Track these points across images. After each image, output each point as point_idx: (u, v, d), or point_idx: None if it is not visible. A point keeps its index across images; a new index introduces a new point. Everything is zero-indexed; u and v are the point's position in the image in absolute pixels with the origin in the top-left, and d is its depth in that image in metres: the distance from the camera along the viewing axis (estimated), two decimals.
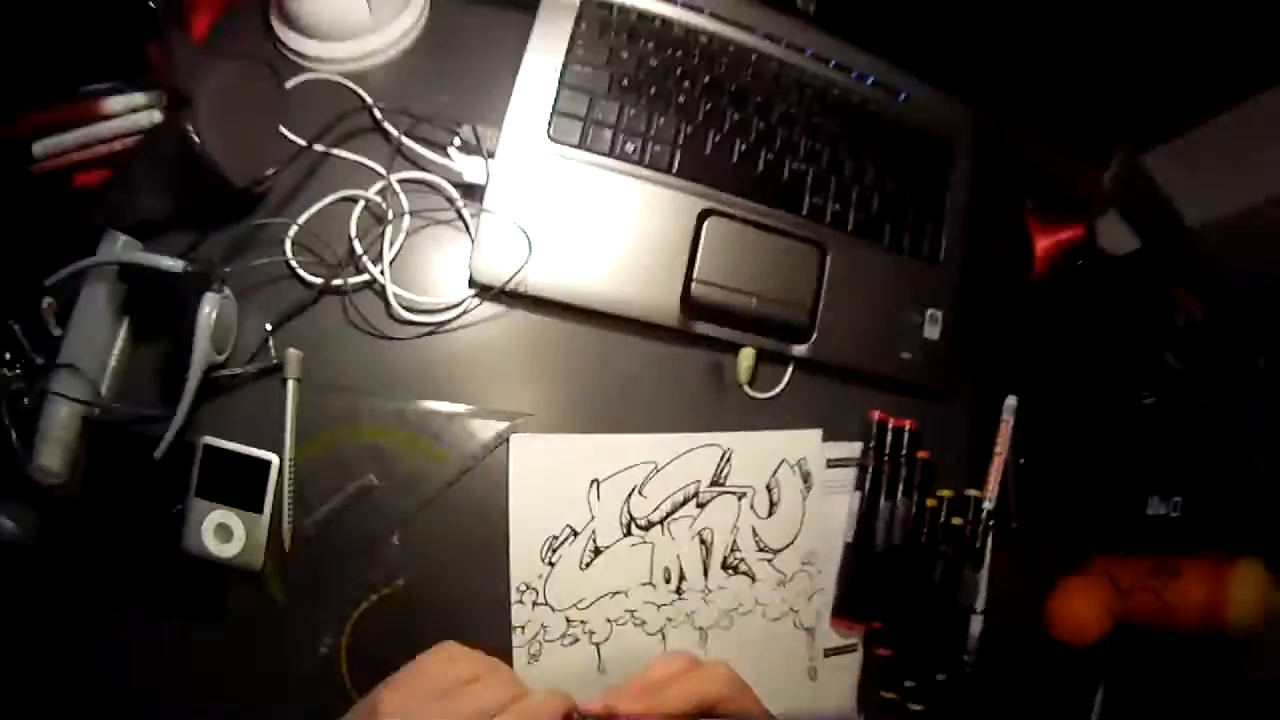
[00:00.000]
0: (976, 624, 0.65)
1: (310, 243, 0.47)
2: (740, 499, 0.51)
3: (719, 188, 0.51)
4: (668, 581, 0.49)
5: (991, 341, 0.68)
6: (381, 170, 0.48)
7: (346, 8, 0.48)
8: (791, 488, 0.53)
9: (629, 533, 0.48)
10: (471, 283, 0.48)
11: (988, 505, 0.64)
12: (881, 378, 0.57)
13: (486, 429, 0.47)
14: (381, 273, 0.47)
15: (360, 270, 0.47)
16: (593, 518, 0.47)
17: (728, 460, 0.51)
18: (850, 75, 0.57)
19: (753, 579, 0.51)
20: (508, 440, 0.47)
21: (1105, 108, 0.71)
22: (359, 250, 0.47)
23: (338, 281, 0.47)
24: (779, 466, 0.52)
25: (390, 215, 0.47)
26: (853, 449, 0.57)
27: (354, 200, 0.48)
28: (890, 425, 0.59)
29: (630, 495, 0.48)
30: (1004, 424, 0.66)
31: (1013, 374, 0.68)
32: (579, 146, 0.49)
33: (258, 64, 0.45)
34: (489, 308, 0.48)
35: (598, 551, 0.48)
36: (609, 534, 0.48)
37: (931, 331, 0.59)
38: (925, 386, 0.60)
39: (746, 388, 0.53)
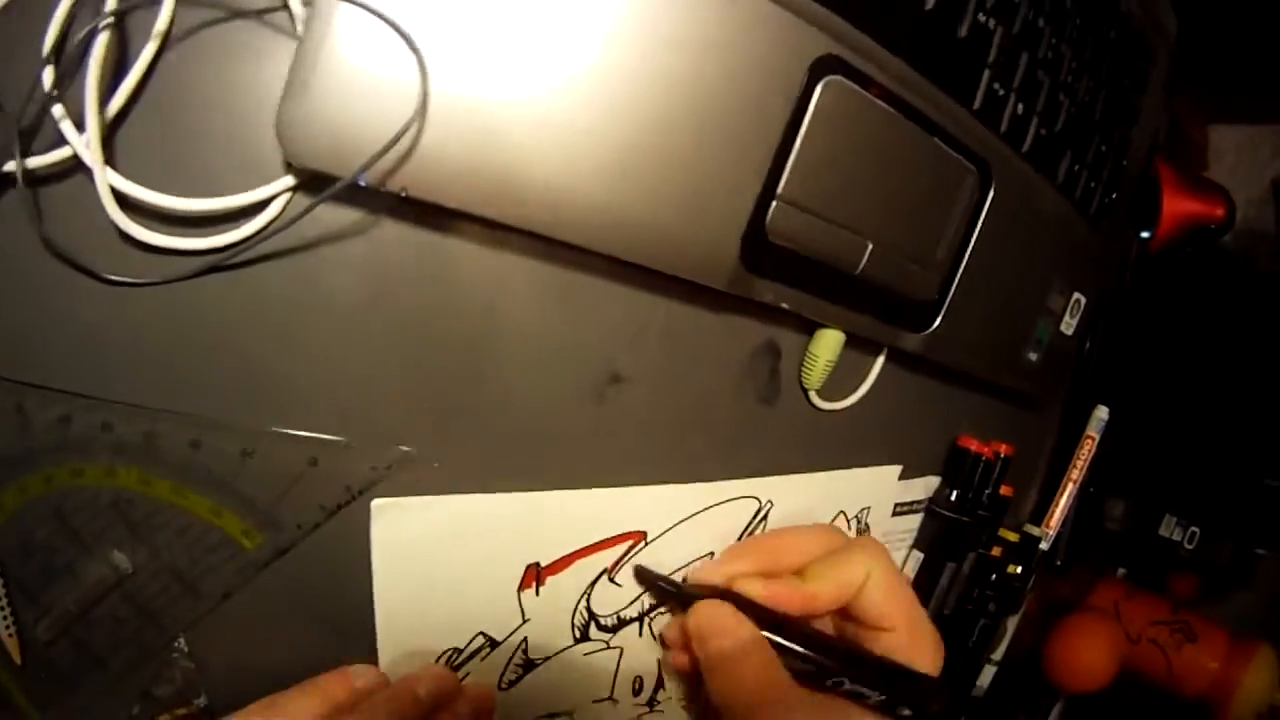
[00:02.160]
0: (988, 674, 0.53)
1: None
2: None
3: (855, 21, 0.26)
4: (637, 694, 0.30)
5: (1098, 336, 0.50)
6: None
7: None
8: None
9: (584, 637, 0.28)
10: (289, 165, 0.20)
11: (1044, 546, 0.49)
12: (994, 385, 0.38)
13: (323, 478, 0.22)
14: (91, 144, 0.19)
15: (56, 138, 0.19)
16: (525, 621, 0.26)
17: (762, 518, 0.30)
18: None
19: None
20: (360, 500, 0.23)
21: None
22: (47, 87, 0.19)
23: (9, 165, 0.19)
24: (834, 521, 0.33)
25: (111, 5, 0.19)
26: (926, 486, 0.38)
27: None
28: (981, 457, 0.40)
29: (594, 585, 0.27)
30: (1087, 441, 0.50)
31: (1104, 376, 0.51)
32: None
33: None
34: (328, 216, 0.21)
35: (529, 666, 0.27)
36: (552, 641, 0.27)
37: (1069, 324, 0.40)
38: (1034, 396, 0.41)
39: (813, 394, 0.31)
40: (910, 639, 0.27)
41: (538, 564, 0.25)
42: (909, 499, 0.37)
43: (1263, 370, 0.52)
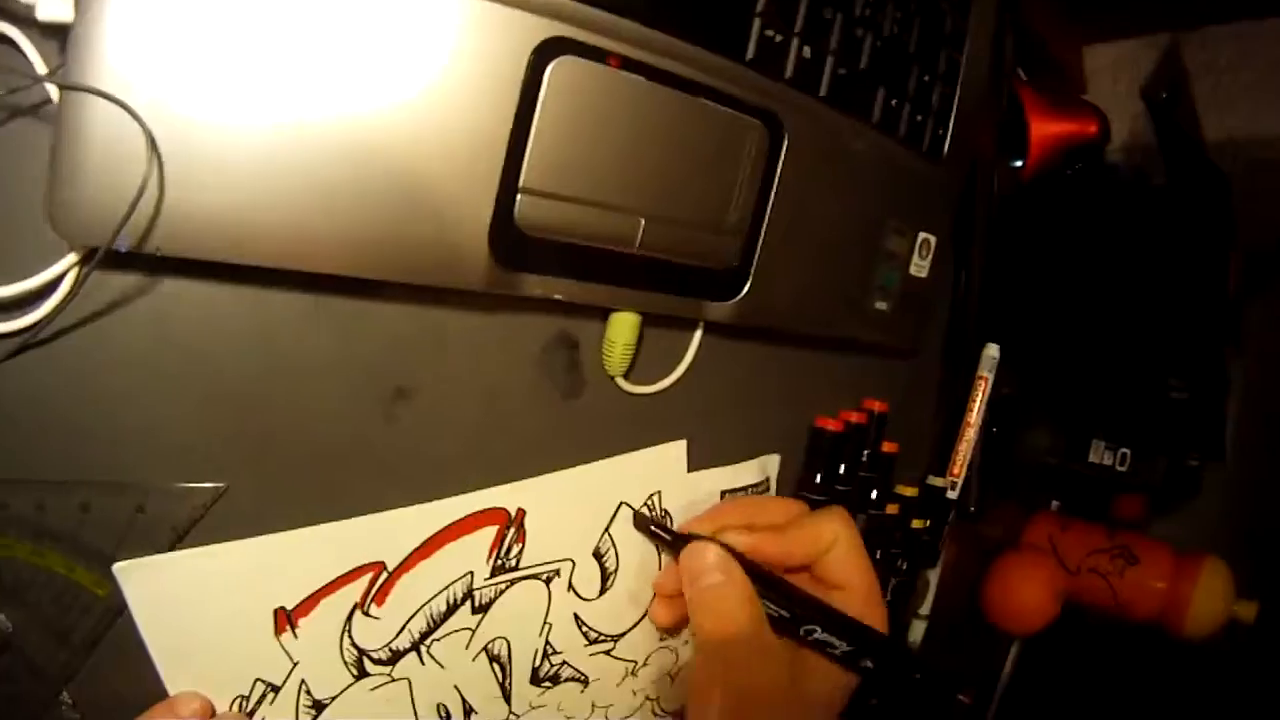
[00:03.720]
0: (919, 629, 0.52)
1: None
2: (550, 580, 0.31)
3: None
4: None
5: (970, 272, 0.49)
6: None
7: None
8: (636, 541, 0.32)
9: (363, 673, 0.27)
10: (72, 242, 0.20)
11: (952, 495, 0.48)
12: (841, 340, 0.37)
13: (151, 523, 0.23)
14: None
15: None
16: (295, 664, 0.25)
17: (516, 530, 0.29)
18: None
19: (585, 682, 0.33)
20: (185, 539, 0.23)
21: None
22: None
23: None
24: (614, 515, 0.32)
25: None
26: (762, 467, 0.37)
27: None
28: (846, 429, 0.39)
29: (349, 620, 0.26)
30: (980, 382, 0.49)
31: (989, 313, 0.50)
32: None
33: None
34: (116, 282, 0.22)
35: (319, 706, 0.26)
36: (330, 682, 0.26)
37: (920, 266, 0.38)
38: (895, 346, 0.40)
39: (620, 380, 0.30)
40: (864, 600, 0.30)
41: (284, 608, 0.25)
42: (741, 484, 0.35)
43: (1161, 282, 0.51)
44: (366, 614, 0.26)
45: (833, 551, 0.30)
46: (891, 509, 0.42)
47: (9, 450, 0.21)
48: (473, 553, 0.28)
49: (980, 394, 0.48)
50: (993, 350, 0.49)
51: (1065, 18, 0.53)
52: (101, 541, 0.23)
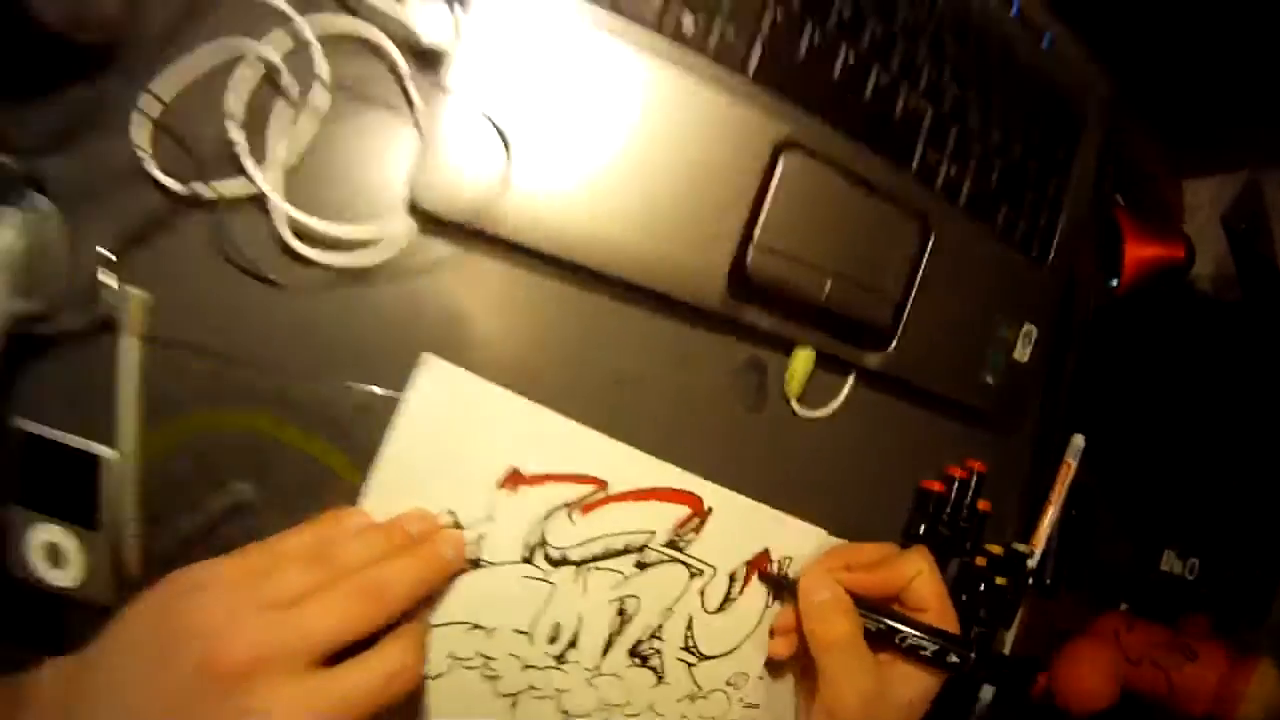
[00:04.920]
0: (988, 692, 0.55)
1: (178, 126, 0.28)
2: (694, 577, 0.37)
3: (808, 109, 0.34)
4: (552, 641, 0.34)
5: (1064, 366, 0.56)
6: (292, 12, 0.28)
7: None
8: (759, 589, 0.39)
9: (530, 559, 0.33)
10: (412, 208, 0.30)
11: (1031, 563, 0.53)
12: (950, 402, 0.44)
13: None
14: (270, 180, 0.28)
15: (242, 173, 0.28)
16: (489, 518, 0.31)
17: (700, 522, 0.36)
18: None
19: (659, 678, 0.37)
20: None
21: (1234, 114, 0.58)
22: (238, 140, 0.28)
23: (208, 190, 0.28)
24: (758, 554, 0.38)
25: (296, 88, 0.29)
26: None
27: (240, 59, 0.28)
28: (952, 488, 0.46)
29: (554, 513, 0.33)
30: (1066, 467, 0.55)
31: (1080, 408, 0.56)
32: (606, 4, 0.31)
33: None
34: (435, 247, 0.31)
35: (475, 563, 0.32)
36: (501, 550, 0.32)
37: (1022, 352, 0.46)
38: (998, 420, 0.47)
39: (794, 402, 0.38)
40: (940, 618, 0.37)
41: (518, 470, 0.31)
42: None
43: (1240, 398, 0.57)
44: (569, 516, 0.33)
45: (916, 581, 0.37)
46: (980, 561, 0.48)
47: (313, 356, 0.29)
48: (666, 518, 0.35)
49: (1064, 477, 0.54)
50: (1079, 440, 0.55)
51: (1167, 155, 0.62)
52: (368, 439, 0.29)
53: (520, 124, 0.29)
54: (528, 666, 0.34)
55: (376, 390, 0.30)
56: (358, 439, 0.30)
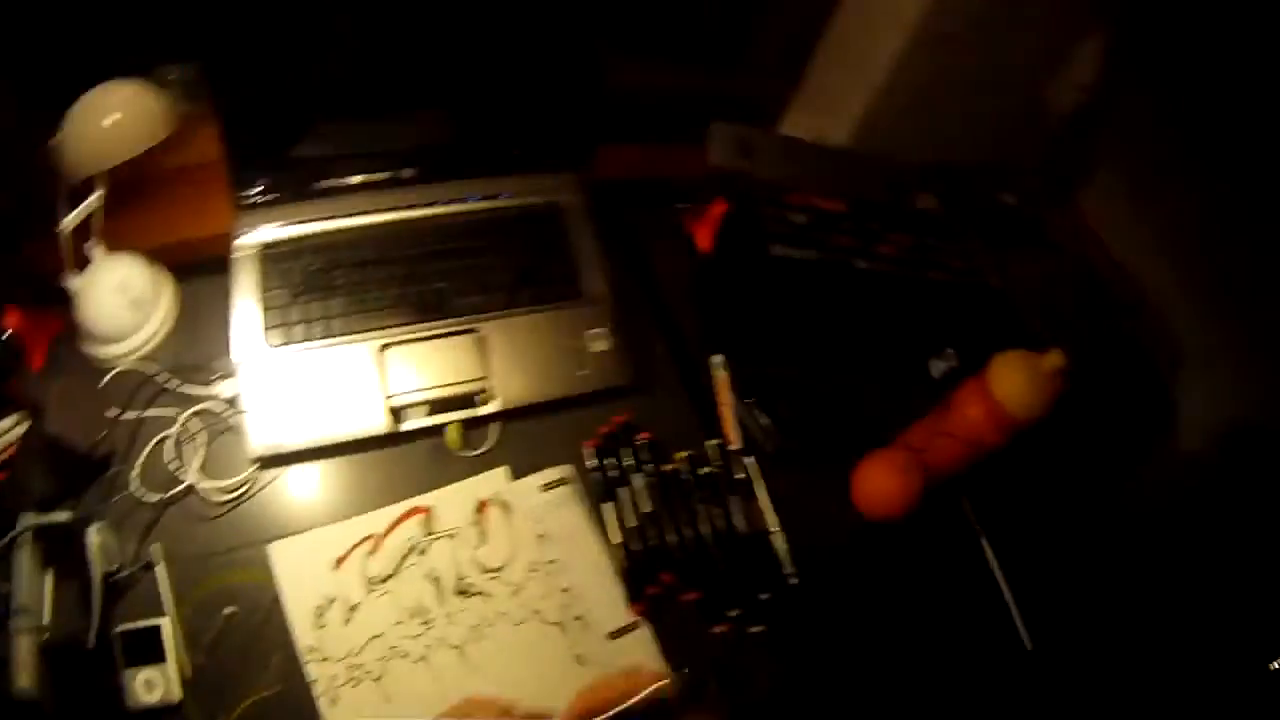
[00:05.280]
0: (780, 541, 0.72)
1: (150, 474, 0.71)
2: (453, 538, 0.68)
3: (389, 326, 0.73)
4: (414, 617, 0.64)
5: (676, 322, 0.87)
6: (174, 413, 0.72)
7: (116, 319, 0.74)
8: (495, 518, 0.69)
9: (371, 589, 0.64)
10: (255, 458, 0.70)
11: (733, 446, 0.77)
12: (571, 398, 0.77)
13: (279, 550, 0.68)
14: (193, 475, 0.69)
15: (181, 480, 0.70)
16: (339, 585, 0.63)
17: (432, 514, 0.68)
18: (456, 203, 0.79)
19: (487, 595, 0.66)
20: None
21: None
22: (174, 468, 0.70)
23: (173, 491, 0.70)
24: (480, 505, 0.69)
25: (189, 436, 0.71)
26: (562, 470, 0.74)
27: (166, 439, 0.72)
28: (601, 440, 0.77)
29: (365, 561, 0.65)
30: (717, 377, 0.84)
31: (709, 338, 0.86)
32: (288, 343, 0.72)
33: (78, 378, 0.71)
34: (270, 471, 0.71)
35: (353, 608, 0.63)
36: (356, 594, 0.64)
37: (599, 345, 0.79)
38: (620, 386, 0.79)
39: (460, 452, 0.73)
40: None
41: (337, 556, 0.66)
42: (552, 479, 0.71)
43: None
44: (370, 557, 0.67)
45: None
46: (667, 466, 0.76)
47: (250, 534, 0.69)
48: (417, 524, 0.69)
49: (722, 383, 0.82)
50: (717, 358, 0.85)
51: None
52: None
53: (280, 402, 0.69)
54: (416, 637, 0.65)
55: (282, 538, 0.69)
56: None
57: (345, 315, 0.73)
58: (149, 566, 0.68)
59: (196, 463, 0.70)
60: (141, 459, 0.71)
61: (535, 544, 0.70)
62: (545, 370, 0.77)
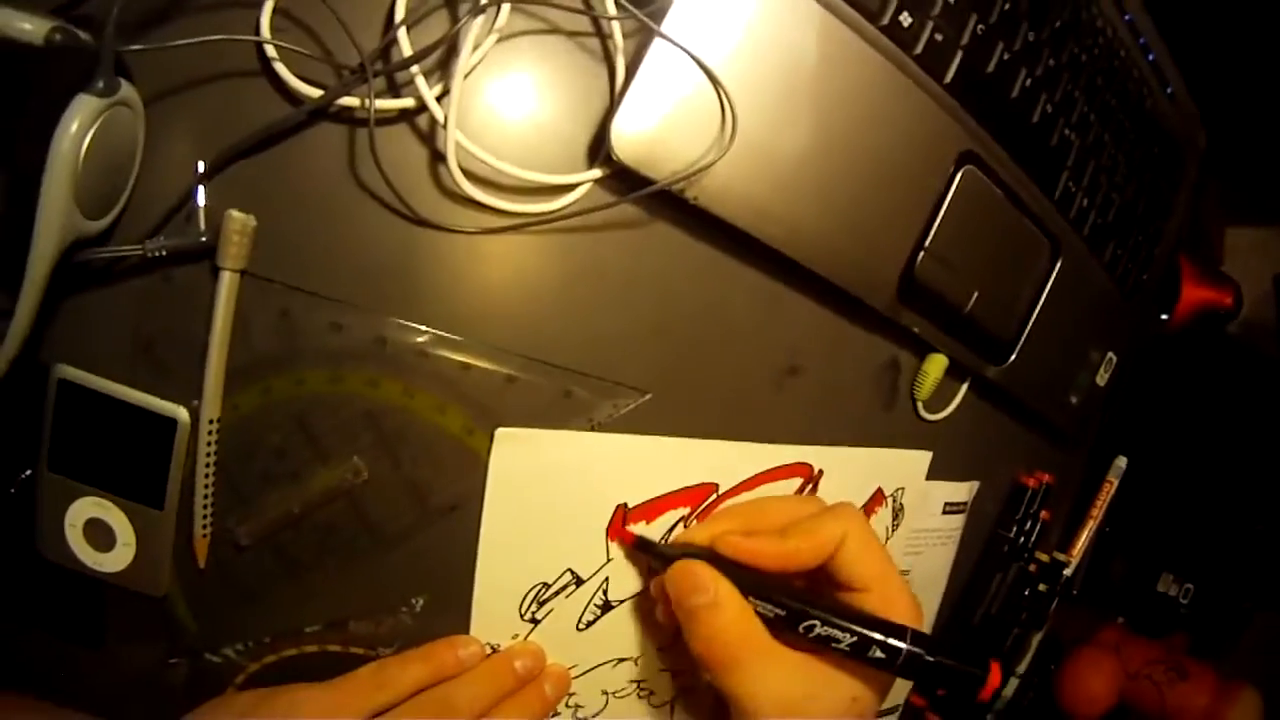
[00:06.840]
0: (1012, 686, 0.59)
1: (311, 18, 0.24)
2: None
3: (987, 127, 0.35)
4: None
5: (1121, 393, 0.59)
6: None
7: None
8: (880, 523, 0.39)
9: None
10: (603, 157, 0.26)
11: (1067, 572, 0.57)
12: (1040, 419, 0.47)
13: (572, 408, 0.28)
14: (442, 99, 0.24)
15: (398, 86, 0.24)
16: (609, 560, 0.30)
17: (813, 486, 0.36)
18: (1138, 40, 0.43)
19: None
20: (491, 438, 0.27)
21: None
22: (404, 46, 0.23)
23: (350, 100, 0.24)
24: (872, 495, 0.39)
25: None
26: (969, 490, 0.46)
27: None
28: (1036, 491, 0.49)
29: (673, 529, 0.31)
30: (1108, 485, 0.59)
31: (1123, 432, 0.60)
32: None
33: None
34: (618, 208, 0.27)
35: (607, 607, 0.31)
36: (630, 583, 0.31)
37: (1102, 377, 0.49)
38: (1072, 439, 0.50)
39: (920, 405, 0.39)
40: (884, 600, 0.27)
41: (625, 505, 0.29)
42: (958, 500, 0.44)
43: (1257, 443, 0.62)
44: (685, 527, 0.31)
45: (842, 551, 0.28)
46: (1033, 569, 0.51)
47: (451, 308, 0.25)
48: (780, 491, 0.34)
49: (1105, 495, 0.58)
50: (1121, 462, 0.59)
51: (1217, 200, 0.66)
52: (521, 413, 0.26)
53: (740, 87, 0.26)
54: (679, 673, 0.33)
55: (536, 365, 0.26)
56: (504, 414, 0.27)
57: (949, 35, 0.32)
58: (198, 255, 0.24)
59: (465, 63, 0.25)
60: None
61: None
62: (1061, 365, 0.45)
